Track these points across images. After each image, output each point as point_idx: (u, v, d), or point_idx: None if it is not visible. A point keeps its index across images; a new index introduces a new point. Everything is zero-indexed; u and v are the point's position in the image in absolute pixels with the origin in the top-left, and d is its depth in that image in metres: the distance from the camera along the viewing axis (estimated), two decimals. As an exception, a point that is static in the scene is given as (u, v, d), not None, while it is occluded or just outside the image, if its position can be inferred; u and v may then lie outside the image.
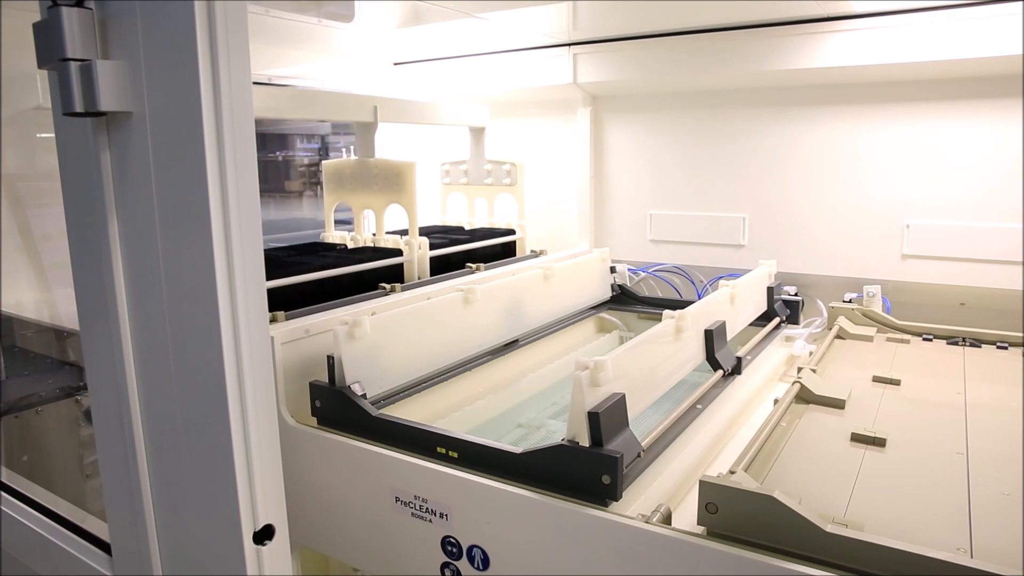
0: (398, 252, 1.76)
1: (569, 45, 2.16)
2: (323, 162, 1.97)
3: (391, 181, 1.82)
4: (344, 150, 2.02)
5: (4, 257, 1.91)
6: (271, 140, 3.26)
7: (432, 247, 1.86)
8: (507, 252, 2.20)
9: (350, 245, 1.89)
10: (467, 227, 2.27)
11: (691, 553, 0.86)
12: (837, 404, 1.30)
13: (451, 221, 2.37)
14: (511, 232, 2.20)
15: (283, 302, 1.40)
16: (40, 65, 0.85)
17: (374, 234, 1.90)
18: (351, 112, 1.87)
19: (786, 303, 1.88)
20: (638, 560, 0.90)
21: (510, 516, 1.00)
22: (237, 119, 0.80)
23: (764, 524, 0.84)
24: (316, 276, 1.54)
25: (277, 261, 1.58)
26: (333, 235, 1.96)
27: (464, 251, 2.00)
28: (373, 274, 1.68)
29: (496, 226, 2.26)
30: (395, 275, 1.75)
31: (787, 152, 2.03)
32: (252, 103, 0.82)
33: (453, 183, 2.34)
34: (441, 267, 1.90)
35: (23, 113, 1.80)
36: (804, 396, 1.33)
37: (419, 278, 1.80)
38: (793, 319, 1.86)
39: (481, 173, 2.27)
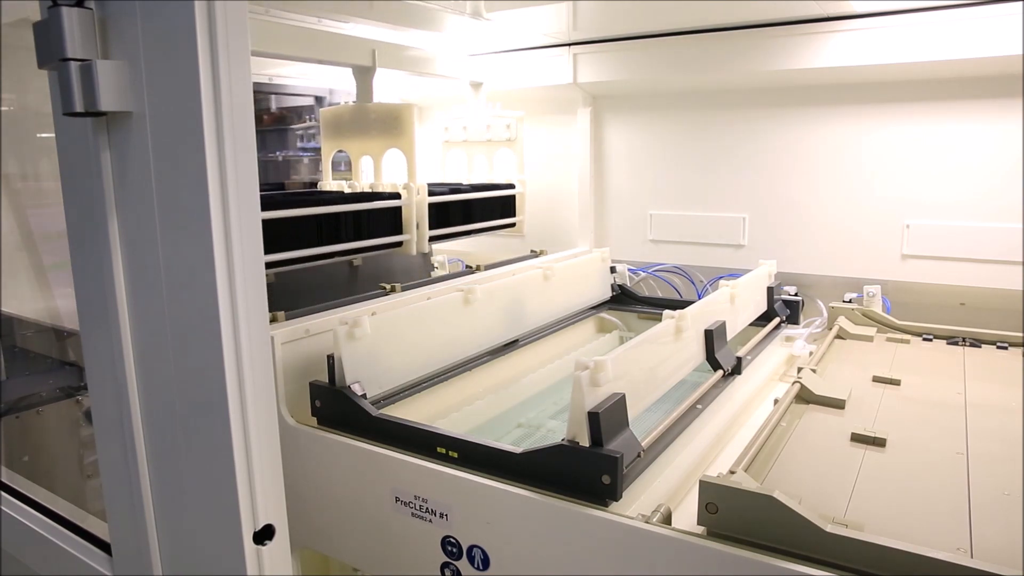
0: (397, 196, 1.74)
1: (569, 45, 2.16)
2: (321, 110, 1.95)
3: (389, 125, 1.81)
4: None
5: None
6: (271, 139, 3.27)
7: (432, 195, 1.84)
8: (507, 206, 2.18)
9: (347, 192, 1.87)
10: (466, 183, 2.25)
11: (691, 553, 0.86)
12: (837, 404, 1.30)
13: (450, 179, 2.36)
14: (511, 187, 2.18)
15: (279, 239, 1.38)
16: (40, 65, 0.85)
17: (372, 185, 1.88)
18: (350, 54, 1.84)
19: (786, 303, 1.88)
20: (638, 560, 0.90)
21: (510, 516, 1.00)
22: (237, 119, 0.80)
23: (764, 524, 0.84)
24: (313, 211, 1.52)
25: (273, 200, 1.55)
26: (330, 183, 1.94)
27: (463, 200, 1.97)
28: (371, 215, 1.66)
29: (496, 182, 2.25)
30: (393, 220, 1.72)
31: (787, 152, 2.03)
32: (252, 103, 0.83)
33: (452, 140, 2.33)
34: (441, 216, 1.87)
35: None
36: (804, 396, 1.33)
37: (417, 225, 1.78)
38: (793, 319, 1.86)
39: (480, 128, 2.26)
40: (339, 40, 1.85)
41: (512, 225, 2.23)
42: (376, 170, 1.86)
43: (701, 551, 0.85)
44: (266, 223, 1.33)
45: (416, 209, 1.77)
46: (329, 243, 1.57)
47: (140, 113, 0.83)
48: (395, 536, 1.14)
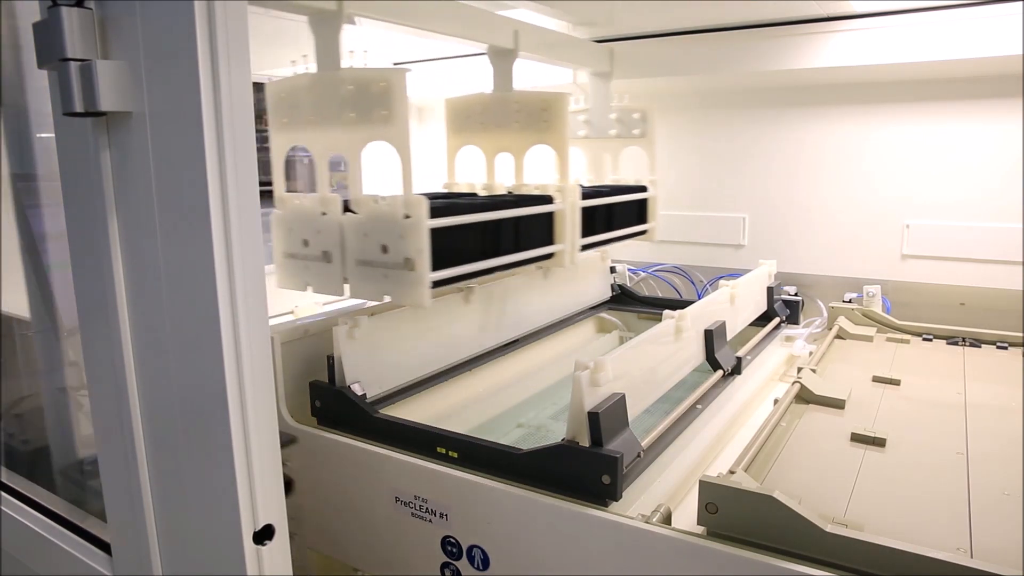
0: (545, 200, 1.48)
1: (569, 45, 2.16)
2: (445, 99, 1.69)
3: (535, 117, 1.55)
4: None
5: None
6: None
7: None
8: (642, 210, 1.92)
9: (481, 195, 1.59)
10: (586, 184, 1.96)
11: (691, 553, 0.86)
12: (837, 404, 1.30)
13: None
14: (643, 189, 1.90)
15: (450, 251, 1.19)
16: (40, 65, 0.85)
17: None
18: (487, 33, 1.58)
19: (786, 303, 1.88)
20: (638, 560, 0.90)
21: (510, 516, 1.00)
22: (237, 119, 0.80)
23: (764, 524, 0.84)
24: (489, 216, 1.29)
25: (454, 205, 1.29)
26: (458, 184, 1.67)
27: (606, 204, 1.72)
28: (528, 223, 1.43)
29: (622, 183, 1.96)
30: (547, 228, 1.49)
31: (787, 152, 2.03)
32: (252, 103, 0.82)
33: (572, 137, 2.05)
34: (587, 223, 1.61)
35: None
36: (804, 396, 1.33)
37: (571, 231, 1.53)
38: (793, 319, 1.86)
39: (606, 123, 2.02)
40: (476, 15, 1.58)
41: (645, 232, 1.93)
42: (517, 170, 1.59)
43: (701, 551, 0.85)
44: (451, 231, 1.17)
45: (570, 213, 1.52)
46: (492, 255, 1.33)
47: (140, 113, 0.83)
48: (395, 536, 1.14)
